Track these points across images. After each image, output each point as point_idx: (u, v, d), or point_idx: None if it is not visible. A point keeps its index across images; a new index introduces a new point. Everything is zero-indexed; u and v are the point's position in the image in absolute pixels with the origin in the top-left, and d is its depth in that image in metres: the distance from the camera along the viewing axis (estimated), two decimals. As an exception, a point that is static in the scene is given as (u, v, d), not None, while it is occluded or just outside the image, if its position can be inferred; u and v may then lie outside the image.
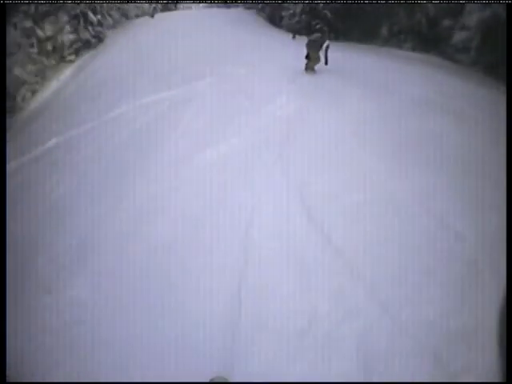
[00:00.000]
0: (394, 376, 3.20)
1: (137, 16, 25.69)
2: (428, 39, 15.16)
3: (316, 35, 10.97)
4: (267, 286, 4.27)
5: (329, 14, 16.71)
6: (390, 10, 16.48)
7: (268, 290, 4.20)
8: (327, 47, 10.56)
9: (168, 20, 25.11)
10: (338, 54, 12.05)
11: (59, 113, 11.56)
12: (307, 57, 11.05)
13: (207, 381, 3.07)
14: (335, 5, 16.75)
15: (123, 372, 3.42)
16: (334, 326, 3.77)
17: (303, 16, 17.93)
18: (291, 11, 19.07)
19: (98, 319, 4.00)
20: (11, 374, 3.03)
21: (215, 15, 29.04)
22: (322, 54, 10.74)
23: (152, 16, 27.66)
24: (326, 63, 10.66)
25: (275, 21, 23.06)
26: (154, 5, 29.68)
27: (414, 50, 15.58)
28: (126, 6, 22.67)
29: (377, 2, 15.77)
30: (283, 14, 20.02)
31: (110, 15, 18.75)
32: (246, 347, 3.60)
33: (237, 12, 31.99)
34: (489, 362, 2.43)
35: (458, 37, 12.04)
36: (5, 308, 3.69)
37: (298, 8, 18.42)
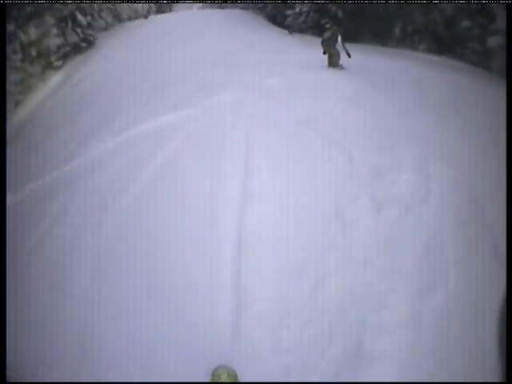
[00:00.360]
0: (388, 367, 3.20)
1: (130, 18, 24.25)
2: (444, 40, 14.18)
3: (327, 33, 11.06)
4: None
5: (340, 13, 15.51)
6: (404, 9, 15.48)
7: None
8: (342, 40, 10.72)
9: (163, 22, 23.62)
10: (359, 57, 10.80)
11: (38, 138, 9.65)
12: (324, 53, 11.20)
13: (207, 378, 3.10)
14: (346, 3, 15.63)
15: (123, 372, 3.38)
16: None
17: (311, 15, 16.72)
18: (297, 10, 17.79)
19: (98, 320, 3.94)
20: (11, 374, 3.04)
21: (213, 16, 27.77)
22: (339, 48, 10.84)
23: (146, 17, 26.37)
24: (349, 56, 10.57)
25: (276, 20, 21.96)
26: (147, 6, 28.39)
27: (429, 51, 14.62)
28: (118, 6, 21.17)
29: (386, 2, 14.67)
30: (288, 12, 18.72)
31: (100, 17, 17.28)
32: (246, 347, 3.52)
33: (234, 12, 30.79)
34: (489, 363, 2.07)
35: (492, 41, 10.80)
36: (5, 308, 3.72)
37: (306, 6, 17.18)
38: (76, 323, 3.99)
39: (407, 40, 15.75)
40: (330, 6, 15.80)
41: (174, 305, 3.98)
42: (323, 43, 11.05)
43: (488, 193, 5.09)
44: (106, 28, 18.08)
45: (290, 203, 5.18)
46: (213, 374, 2.77)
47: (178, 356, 3.46)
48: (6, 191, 6.24)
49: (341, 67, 11.07)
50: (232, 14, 29.31)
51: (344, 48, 10.66)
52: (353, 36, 16.02)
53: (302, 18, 17.64)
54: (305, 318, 3.85)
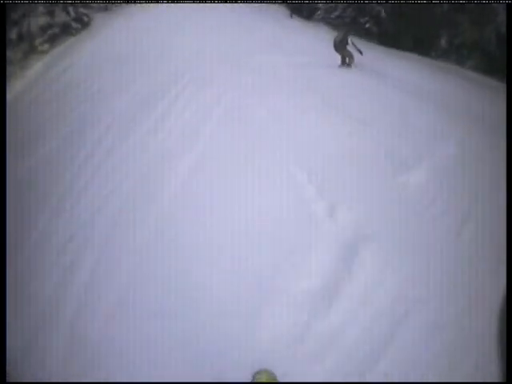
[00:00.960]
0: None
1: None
2: (496, 60, 12.57)
3: (338, 35, 11.30)
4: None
5: (383, 13, 13.46)
6: (453, 18, 14.00)
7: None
8: (352, 42, 10.98)
9: (175, 6, 21.15)
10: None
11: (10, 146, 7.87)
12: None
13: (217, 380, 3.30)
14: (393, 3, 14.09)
15: (123, 372, 3.35)
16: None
17: (349, 10, 14.87)
18: (331, 3, 15.92)
19: (98, 320, 3.88)
20: (11, 373, 3.04)
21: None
22: (350, 49, 10.98)
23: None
24: (361, 53, 10.92)
25: (303, 12, 20.05)
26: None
27: (476, 69, 13.31)
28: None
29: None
30: (320, 5, 16.81)
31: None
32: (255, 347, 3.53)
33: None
34: (489, 362, 2.05)
35: None
36: (5, 308, 3.71)
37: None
38: (77, 323, 3.92)
39: (453, 53, 14.43)
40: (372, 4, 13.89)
41: (174, 304, 3.97)
42: (336, 46, 11.17)
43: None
44: (106, 8, 15.55)
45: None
46: (253, 377, 2.86)
47: (177, 356, 3.42)
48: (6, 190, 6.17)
49: (355, 66, 11.26)
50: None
51: (355, 47, 10.90)
52: (391, 40, 14.28)
53: (336, 13, 15.75)
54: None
